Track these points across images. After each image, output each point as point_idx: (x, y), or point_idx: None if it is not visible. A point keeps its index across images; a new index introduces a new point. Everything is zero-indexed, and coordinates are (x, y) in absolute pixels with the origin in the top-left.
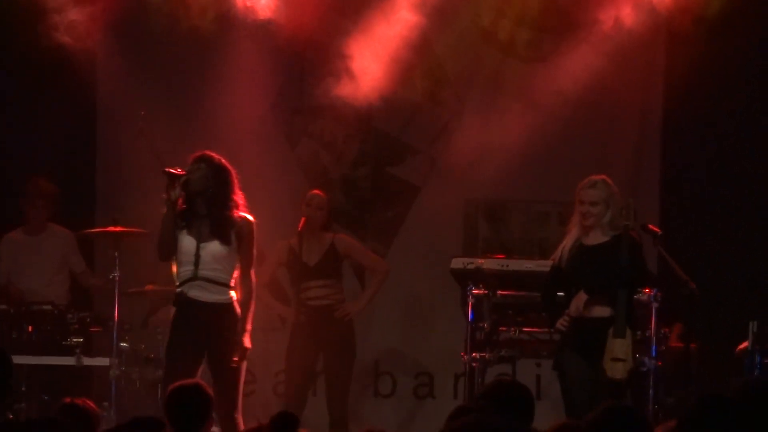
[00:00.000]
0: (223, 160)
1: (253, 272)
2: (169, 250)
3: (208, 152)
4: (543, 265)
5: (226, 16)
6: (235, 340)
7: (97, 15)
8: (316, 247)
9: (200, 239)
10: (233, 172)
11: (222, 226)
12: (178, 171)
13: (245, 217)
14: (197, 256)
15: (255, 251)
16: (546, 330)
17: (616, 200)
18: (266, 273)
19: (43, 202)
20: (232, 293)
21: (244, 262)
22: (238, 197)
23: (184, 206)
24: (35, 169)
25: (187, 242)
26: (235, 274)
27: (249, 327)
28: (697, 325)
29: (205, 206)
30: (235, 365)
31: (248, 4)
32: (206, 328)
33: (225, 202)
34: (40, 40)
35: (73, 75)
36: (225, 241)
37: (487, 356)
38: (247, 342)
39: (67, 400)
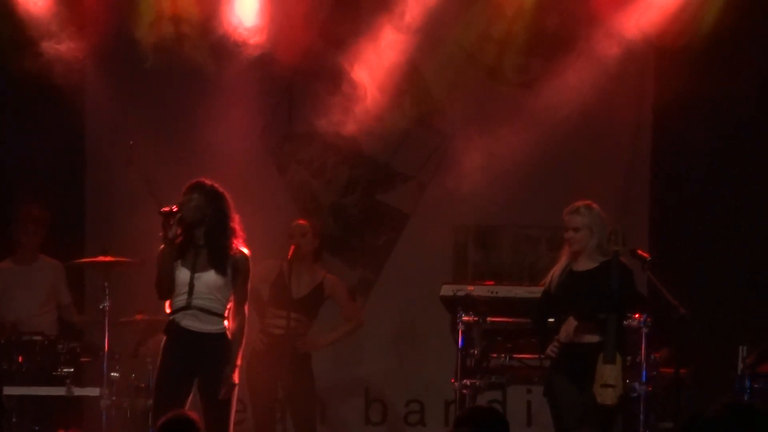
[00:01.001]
0: (217, 186)
1: (246, 308)
2: (169, 289)
3: (200, 180)
4: (532, 292)
5: (214, 44)
6: (225, 372)
7: (86, 44)
8: (307, 281)
9: (195, 269)
10: (228, 196)
11: (219, 256)
12: (173, 208)
13: (242, 251)
14: (191, 285)
15: (249, 286)
16: (536, 356)
17: (602, 225)
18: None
19: (35, 227)
20: (225, 323)
21: (238, 297)
22: (235, 223)
23: (181, 238)
24: (24, 199)
25: (181, 273)
26: (229, 305)
27: (239, 362)
28: (687, 350)
29: (202, 236)
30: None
31: (237, 35)
32: (198, 357)
33: (222, 230)
34: (28, 69)
35: (61, 104)
36: (221, 271)
37: (477, 383)
38: (235, 377)
39: (60, 430)
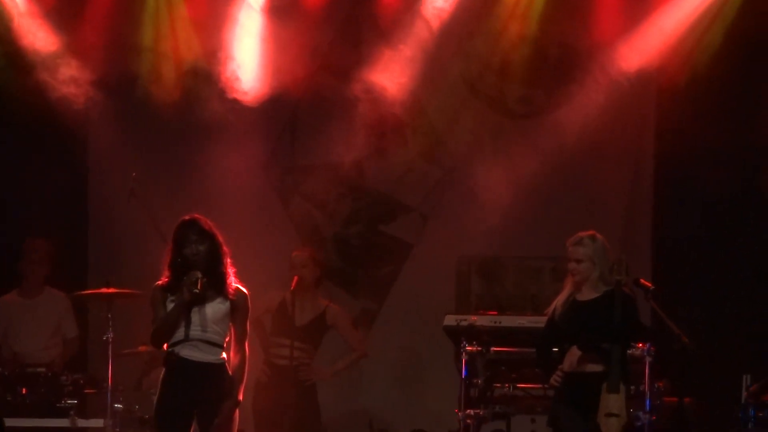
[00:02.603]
0: (206, 220)
1: (246, 345)
2: (170, 337)
3: (197, 223)
4: (536, 321)
5: (216, 79)
6: (225, 406)
7: (90, 80)
8: (309, 310)
9: (192, 303)
10: (214, 226)
11: (220, 284)
12: (199, 277)
13: (240, 288)
14: (188, 319)
15: (249, 325)
16: (540, 386)
17: (605, 256)
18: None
19: (40, 260)
20: (224, 355)
21: (238, 334)
22: (225, 249)
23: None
24: (27, 232)
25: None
26: (227, 339)
27: (240, 398)
28: (690, 379)
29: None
30: None
31: (239, 69)
32: (197, 388)
33: (219, 259)
34: (31, 102)
35: (64, 136)
36: (224, 296)
37: (481, 413)
38: (236, 413)
39: None
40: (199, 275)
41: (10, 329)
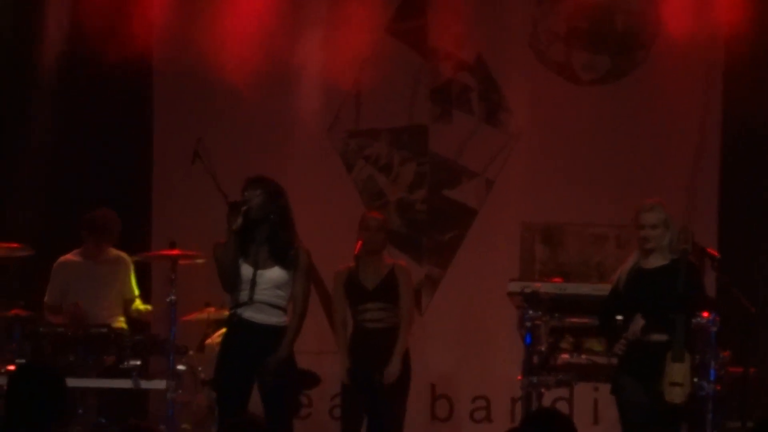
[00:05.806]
0: (278, 183)
1: (305, 303)
2: (235, 280)
3: (262, 175)
4: (600, 289)
5: (282, 46)
6: (274, 359)
7: (154, 41)
8: (375, 271)
9: (257, 266)
10: (286, 192)
11: (282, 251)
12: (240, 200)
13: (303, 247)
14: (253, 282)
15: (310, 284)
16: (604, 354)
17: (672, 223)
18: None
19: (101, 236)
20: (287, 318)
21: (296, 291)
22: (292, 217)
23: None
24: (91, 194)
25: (244, 269)
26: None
27: (288, 351)
28: (756, 349)
29: (265, 233)
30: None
31: (303, 37)
32: (259, 350)
33: (286, 226)
34: (97, 68)
35: (129, 99)
36: (286, 266)
37: (544, 380)
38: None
39: (132, 422)
40: (239, 200)
41: (71, 289)
